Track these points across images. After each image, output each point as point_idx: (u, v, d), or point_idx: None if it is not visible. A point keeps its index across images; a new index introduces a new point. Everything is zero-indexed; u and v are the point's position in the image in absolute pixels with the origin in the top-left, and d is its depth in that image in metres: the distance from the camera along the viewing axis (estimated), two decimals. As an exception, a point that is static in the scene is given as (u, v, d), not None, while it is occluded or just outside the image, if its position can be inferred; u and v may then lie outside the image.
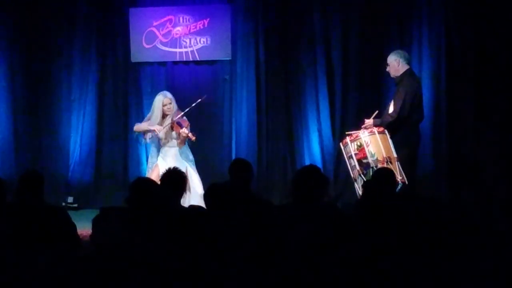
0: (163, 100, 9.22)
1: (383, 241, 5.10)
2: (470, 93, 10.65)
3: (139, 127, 9.44)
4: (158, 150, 9.32)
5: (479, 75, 10.61)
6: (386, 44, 10.64)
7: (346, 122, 10.82)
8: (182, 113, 9.16)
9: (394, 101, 8.83)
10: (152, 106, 9.31)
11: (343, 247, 5.11)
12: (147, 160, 10.87)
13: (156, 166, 9.17)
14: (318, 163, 10.65)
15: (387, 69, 9.03)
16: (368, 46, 10.79)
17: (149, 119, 9.34)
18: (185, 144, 9.22)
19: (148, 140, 9.39)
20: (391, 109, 8.84)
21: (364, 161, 8.52)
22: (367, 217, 5.41)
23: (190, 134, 8.97)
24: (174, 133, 9.14)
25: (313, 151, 10.96)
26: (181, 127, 9.03)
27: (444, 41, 10.71)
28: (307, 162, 10.64)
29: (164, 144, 9.23)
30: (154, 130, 9.19)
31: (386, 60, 9.09)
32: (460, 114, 10.72)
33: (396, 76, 8.94)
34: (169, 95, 9.30)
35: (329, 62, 10.96)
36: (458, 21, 10.69)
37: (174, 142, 9.20)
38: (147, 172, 9.49)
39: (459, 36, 10.70)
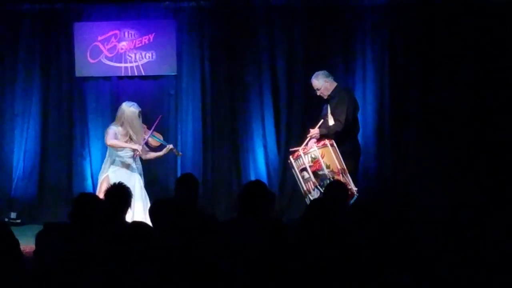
0: (138, 112, 9.01)
1: (326, 256, 5.12)
2: (413, 109, 10.82)
3: (117, 143, 8.94)
4: (113, 162, 9.15)
5: (424, 90, 10.78)
6: (331, 59, 10.78)
7: (291, 137, 10.87)
8: (153, 128, 9.21)
9: (334, 113, 8.95)
10: (127, 119, 8.97)
11: (288, 262, 5.12)
12: (91, 175, 10.82)
13: (106, 178, 9.03)
14: (264, 178, 10.67)
15: (318, 94, 9.15)
16: (313, 61, 10.85)
17: (125, 133, 9.00)
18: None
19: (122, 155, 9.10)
20: (331, 122, 8.94)
21: (320, 172, 8.57)
22: (312, 232, 5.43)
23: (174, 150, 9.38)
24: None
25: (259, 166, 10.99)
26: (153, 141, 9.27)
27: (387, 54, 10.88)
28: (253, 177, 10.67)
29: (124, 157, 9.09)
30: (136, 150, 8.95)
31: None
32: (403, 131, 10.89)
33: (328, 95, 9.08)
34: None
35: (274, 77, 11.02)
36: (402, 36, 10.87)
37: (130, 153, 9.07)
38: (98, 182, 9.29)
39: (403, 51, 10.88)
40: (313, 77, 9.22)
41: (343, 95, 9.01)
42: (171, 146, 9.34)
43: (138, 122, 9.02)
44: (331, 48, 10.94)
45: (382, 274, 5.06)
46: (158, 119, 9.41)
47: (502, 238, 6.73)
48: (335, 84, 9.14)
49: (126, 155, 9.04)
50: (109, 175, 9.01)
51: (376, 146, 10.77)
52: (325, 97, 9.13)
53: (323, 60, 10.77)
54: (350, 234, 5.47)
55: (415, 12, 10.79)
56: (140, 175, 9.20)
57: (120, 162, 9.05)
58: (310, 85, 9.37)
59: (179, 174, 10.44)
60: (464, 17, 10.57)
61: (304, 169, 8.69)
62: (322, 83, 9.11)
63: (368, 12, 10.94)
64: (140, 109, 9.06)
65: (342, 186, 7.27)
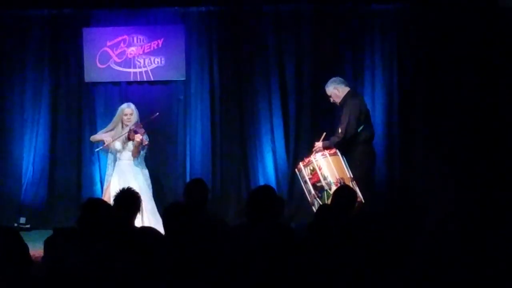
0: (124, 110, 9.47)
1: (333, 261, 5.12)
2: (422, 114, 10.83)
3: (94, 137, 9.92)
4: (114, 166, 9.35)
5: (432, 95, 10.77)
6: (340, 64, 10.78)
7: (300, 142, 10.89)
8: (141, 123, 9.42)
9: (340, 121, 9.01)
10: (115, 116, 9.60)
11: (295, 267, 5.12)
12: (101, 180, 10.84)
13: (109, 185, 9.18)
14: (272, 183, 10.68)
15: (331, 101, 9.21)
16: (321, 68, 10.87)
17: (108, 129, 9.58)
18: (139, 153, 9.27)
19: (102, 149, 9.61)
20: (339, 130, 8.99)
21: (318, 184, 8.66)
22: (319, 238, 5.43)
23: (143, 139, 9.22)
24: (130, 143, 9.22)
25: (267, 171, 10.99)
26: (136, 134, 9.20)
27: (396, 59, 10.90)
28: (261, 182, 10.67)
29: (120, 158, 9.27)
30: (101, 140, 9.51)
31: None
32: (412, 136, 10.89)
33: (340, 102, 9.11)
34: (132, 106, 9.56)
35: (283, 82, 11.03)
36: (410, 41, 10.89)
37: (129, 154, 9.24)
38: (104, 189, 9.61)
39: (411, 56, 10.90)
40: (326, 85, 9.26)
41: (349, 103, 9.03)
42: (142, 138, 9.38)
43: (119, 117, 9.51)
44: (339, 54, 10.95)
45: (387, 278, 5.06)
46: (154, 116, 9.74)
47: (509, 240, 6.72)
48: (346, 90, 9.14)
49: (120, 152, 9.43)
50: (112, 180, 9.22)
51: (385, 151, 10.76)
52: (338, 104, 9.15)
53: (332, 65, 10.79)
54: (357, 238, 5.47)
55: (423, 18, 10.79)
56: (146, 176, 9.36)
57: (120, 159, 9.41)
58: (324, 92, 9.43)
59: (188, 180, 10.44)
60: (472, 22, 10.55)
61: (306, 181, 8.83)
62: (331, 90, 9.16)
63: (377, 18, 10.96)
64: (132, 108, 9.54)
65: (350, 191, 7.27)
